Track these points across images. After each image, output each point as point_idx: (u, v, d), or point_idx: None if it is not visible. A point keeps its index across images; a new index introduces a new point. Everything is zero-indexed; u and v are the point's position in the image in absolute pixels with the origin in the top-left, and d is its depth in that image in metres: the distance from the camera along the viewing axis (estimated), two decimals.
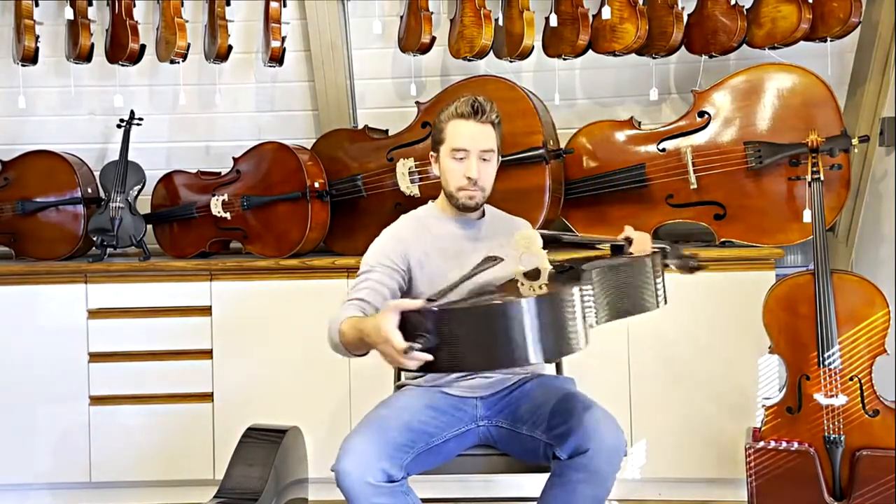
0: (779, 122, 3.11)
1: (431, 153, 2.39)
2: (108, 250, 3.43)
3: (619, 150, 3.29)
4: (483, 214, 2.42)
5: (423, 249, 2.33)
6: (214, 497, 2.41)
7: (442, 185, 2.36)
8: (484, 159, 2.29)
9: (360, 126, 3.54)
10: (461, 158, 2.29)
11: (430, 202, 2.48)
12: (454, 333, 1.76)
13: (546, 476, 2.13)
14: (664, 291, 2.23)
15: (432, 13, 3.42)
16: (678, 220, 3.25)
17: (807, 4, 3.08)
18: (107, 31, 3.53)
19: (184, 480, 3.29)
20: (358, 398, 3.15)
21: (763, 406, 2.82)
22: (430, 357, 1.75)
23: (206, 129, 3.78)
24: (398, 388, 2.43)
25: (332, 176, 3.41)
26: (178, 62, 3.49)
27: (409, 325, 1.80)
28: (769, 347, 2.80)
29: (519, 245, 1.96)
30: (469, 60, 3.43)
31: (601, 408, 2.12)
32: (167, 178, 3.56)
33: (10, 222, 3.52)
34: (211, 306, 3.30)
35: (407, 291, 2.32)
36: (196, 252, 3.48)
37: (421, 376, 2.35)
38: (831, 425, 2.67)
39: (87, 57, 3.50)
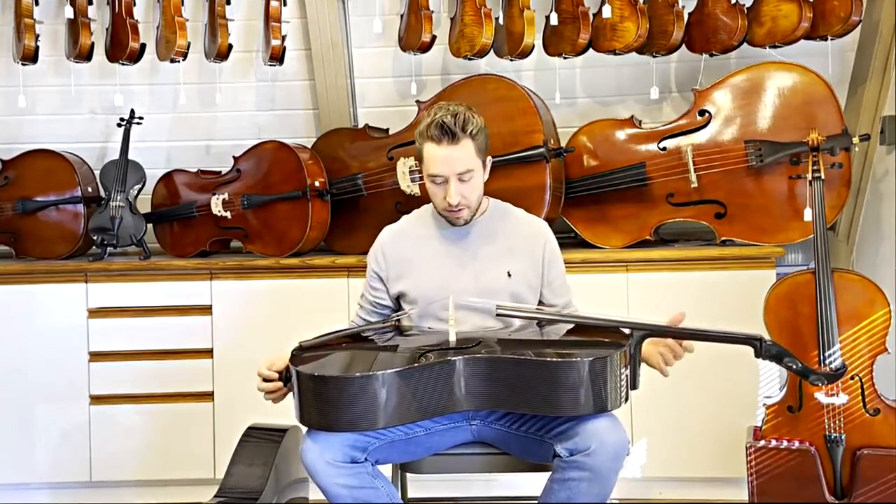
0: (779, 121, 3.11)
1: (416, 162, 2.39)
2: (109, 249, 3.42)
3: (619, 149, 3.29)
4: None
5: (407, 257, 2.40)
6: (215, 496, 2.41)
7: None
8: (462, 180, 2.27)
9: (361, 125, 3.54)
10: (440, 183, 2.28)
11: (426, 206, 2.49)
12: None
13: (547, 475, 2.13)
14: (617, 393, 1.98)
15: (433, 12, 3.41)
16: (679, 219, 3.25)
17: (807, 3, 3.08)
18: (107, 30, 3.52)
19: (184, 480, 3.29)
20: None
21: (764, 405, 2.82)
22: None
23: (207, 129, 3.78)
24: None
25: (333, 175, 3.40)
26: (179, 61, 3.49)
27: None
28: None
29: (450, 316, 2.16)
30: (469, 59, 3.42)
31: None
32: (167, 178, 3.56)
33: (10, 221, 3.52)
34: (211, 305, 3.29)
35: (400, 295, 2.41)
36: (196, 251, 3.48)
37: None
38: (832, 424, 2.67)
39: (87, 56, 3.50)
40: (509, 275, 2.35)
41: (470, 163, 2.26)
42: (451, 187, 2.25)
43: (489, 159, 2.37)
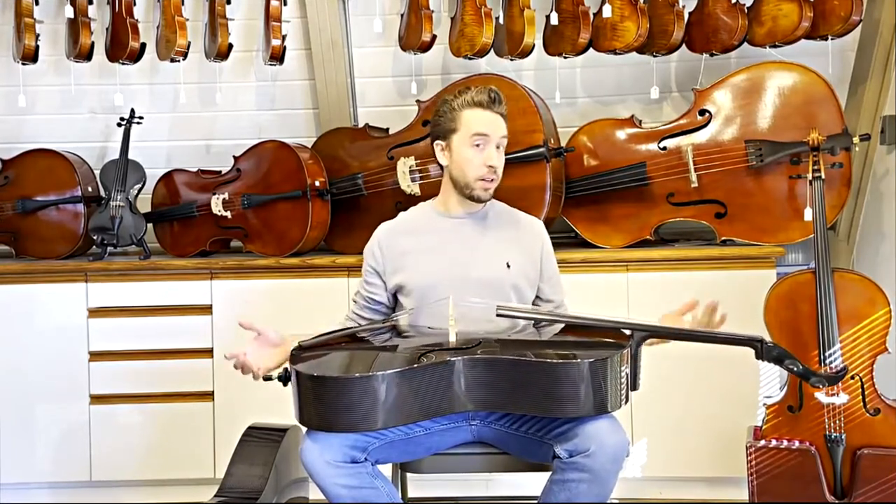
0: (780, 121, 3.11)
1: (438, 142, 2.37)
2: (109, 249, 3.42)
3: (619, 149, 3.29)
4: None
5: (404, 250, 2.39)
6: (215, 496, 2.41)
7: (453, 178, 2.37)
8: (499, 147, 2.34)
9: (361, 125, 3.54)
10: (479, 145, 2.32)
11: (422, 203, 2.49)
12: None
13: (547, 475, 2.13)
14: (618, 394, 1.96)
15: (433, 11, 3.41)
16: (679, 219, 3.25)
17: (808, 3, 3.08)
18: (107, 29, 3.52)
19: (184, 479, 3.29)
20: None
21: (764, 405, 2.82)
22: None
23: (207, 128, 3.78)
24: None
25: (333, 175, 3.40)
26: (179, 61, 3.49)
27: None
28: None
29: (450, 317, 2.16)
30: (470, 59, 3.42)
31: None
32: (167, 177, 3.56)
33: (10, 221, 3.52)
34: (211, 305, 3.29)
35: (398, 289, 2.40)
36: (196, 251, 3.48)
37: None
38: (832, 424, 2.67)
39: (87, 55, 3.50)
40: (508, 266, 2.36)
41: (506, 132, 2.36)
42: (492, 148, 2.32)
43: None
